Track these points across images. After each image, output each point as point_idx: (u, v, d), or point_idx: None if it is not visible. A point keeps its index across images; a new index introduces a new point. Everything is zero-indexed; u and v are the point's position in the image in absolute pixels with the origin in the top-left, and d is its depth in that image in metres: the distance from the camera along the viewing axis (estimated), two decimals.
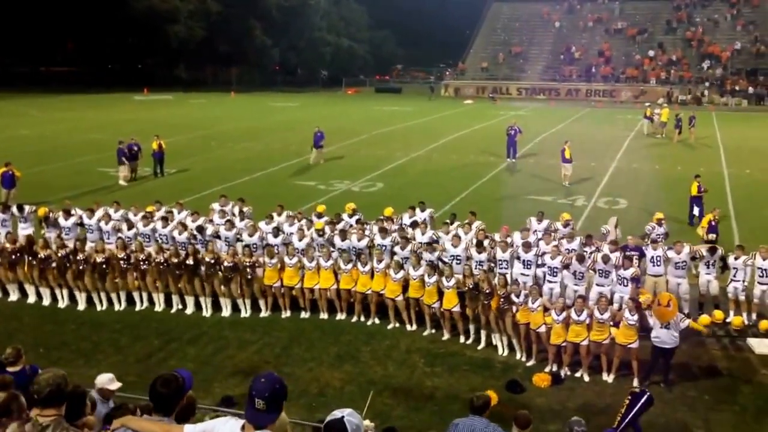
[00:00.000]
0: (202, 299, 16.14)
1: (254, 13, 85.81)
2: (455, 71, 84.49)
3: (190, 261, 15.97)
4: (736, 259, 15.67)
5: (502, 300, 13.89)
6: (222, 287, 16.08)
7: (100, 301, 16.43)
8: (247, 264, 15.89)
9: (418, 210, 18.79)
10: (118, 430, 5.41)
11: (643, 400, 10.07)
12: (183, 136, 41.20)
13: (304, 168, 32.91)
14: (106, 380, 8.47)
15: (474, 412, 8.28)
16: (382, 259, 15.65)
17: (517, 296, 13.76)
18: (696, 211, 22.38)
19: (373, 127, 48.02)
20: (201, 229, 17.51)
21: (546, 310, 13.70)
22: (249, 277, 15.94)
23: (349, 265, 15.67)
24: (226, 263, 15.91)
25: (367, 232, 16.96)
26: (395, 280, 15.24)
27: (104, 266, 16.19)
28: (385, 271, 15.45)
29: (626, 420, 10.04)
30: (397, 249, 16.34)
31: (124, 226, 17.84)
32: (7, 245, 16.68)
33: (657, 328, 12.73)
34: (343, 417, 4.73)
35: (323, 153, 33.98)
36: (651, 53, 75.91)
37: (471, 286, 14.29)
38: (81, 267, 16.23)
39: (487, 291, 14.10)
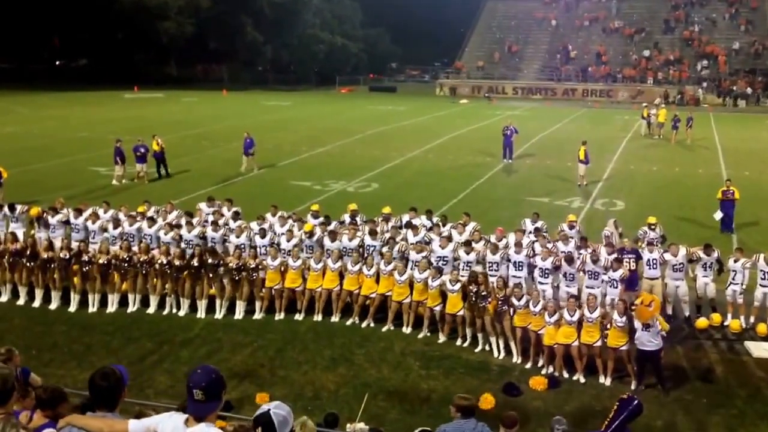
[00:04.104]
0: (198, 301, 15.93)
1: (245, 9, 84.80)
2: (455, 70, 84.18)
3: (195, 262, 15.80)
4: (735, 261, 15.53)
5: (500, 302, 13.76)
6: (227, 289, 15.87)
7: (93, 303, 16.20)
8: (252, 266, 15.73)
9: (424, 218, 18.29)
10: (64, 429, 5.29)
11: (631, 407, 9.95)
12: (175, 134, 40.68)
13: (298, 168, 32.75)
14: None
15: (464, 415, 8.24)
16: (390, 262, 15.44)
17: (519, 299, 13.63)
18: (718, 215, 21.96)
19: (367, 127, 47.76)
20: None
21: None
22: (252, 278, 15.78)
23: (356, 267, 15.48)
24: (232, 264, 15.75)
25: (359, 233, 16.81)
26: (401, 283, 15.07)
27: (107, 268, 16.03)
28: (390, 273, 15.28)
29: (613, 426, 9.92)
30: (385, 249, 16.10)
31: (110, 226, 17.68)
32: (9, 245, 16.44)
33: (639, 330, 12.63)
34: (269, 410, 4.71)
35: (255, 160, 32.14)
36: (648, 53, 75.75)
37: (475, 290, 14.12)
38: (85, 269, 16.04)
39: (484, 293, 13.96)
